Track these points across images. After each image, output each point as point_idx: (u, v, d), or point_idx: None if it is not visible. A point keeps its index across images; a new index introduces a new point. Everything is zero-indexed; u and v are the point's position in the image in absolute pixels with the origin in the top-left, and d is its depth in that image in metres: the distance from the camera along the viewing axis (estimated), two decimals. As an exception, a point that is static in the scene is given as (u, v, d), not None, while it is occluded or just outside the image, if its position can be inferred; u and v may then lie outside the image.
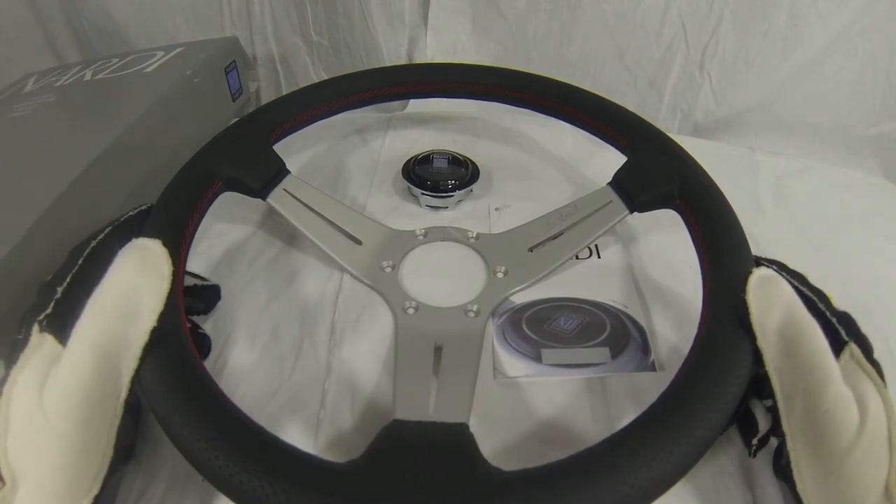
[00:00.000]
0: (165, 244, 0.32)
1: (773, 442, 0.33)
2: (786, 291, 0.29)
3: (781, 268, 0.34)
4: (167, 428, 0.27)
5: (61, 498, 0.25)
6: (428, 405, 0.31)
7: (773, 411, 0.31)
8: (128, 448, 0.32)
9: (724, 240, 0.34)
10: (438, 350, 0.36)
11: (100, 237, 0.34)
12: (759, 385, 0.29)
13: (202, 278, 0.41)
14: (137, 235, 0.33)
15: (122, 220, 0.36)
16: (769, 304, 0.28)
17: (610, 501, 0.23)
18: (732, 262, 0.33)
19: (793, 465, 0.26)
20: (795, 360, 0.26)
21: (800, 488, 0.25)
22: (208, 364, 0.38)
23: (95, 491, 0.26)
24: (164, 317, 0.29)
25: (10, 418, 0.25)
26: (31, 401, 0.26)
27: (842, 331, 0.29)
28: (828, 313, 0.30)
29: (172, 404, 0.26)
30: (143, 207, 0.37)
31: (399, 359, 0.36)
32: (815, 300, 0.31)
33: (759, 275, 0.30)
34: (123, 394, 0.27)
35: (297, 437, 0.34)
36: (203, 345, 0.39)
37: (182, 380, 0.28)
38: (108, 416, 0.27)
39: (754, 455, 0.33)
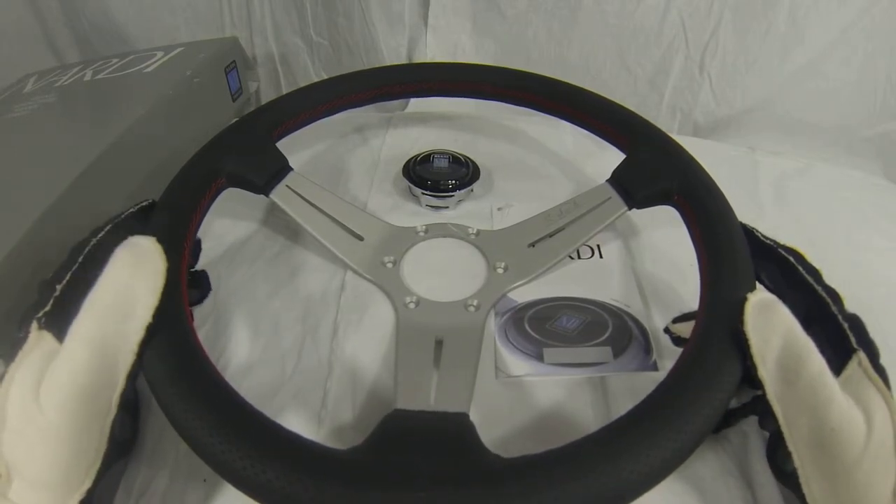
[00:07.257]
0: (160, 241, 0.32)
1: (759, 435, 0.33)
2: (783, 317, 0.28)
3: (799, 260, 0.33)
4: (170, 415, 0.27)
5: (54, 490, 0.25)
6: (429, 395, 0.31)
7: (761, 401, 0.31)
8: (125, 443, 0.32)
9: (722, 235, 0.34)
10: (439, 344, 0.36)
11: (100, 235, 0.34)
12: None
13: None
14: (141, 231, 0.33)
15: (123, 216, 0.36)
16: (768, 333, 0.27)
17: (610, 486, 0.23)
18: (731, 259, 0.33)
19: (801, 481, 0.26)
20: (797, 386, 0.26)
21: (809, 500, 0.26)
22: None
23: (88, 484, 0.26)
24: (160, 312, 0.29)
25: (7, 413, 0.26)
26: (27, 396, 0.26)
27: (852, 337, 0.28)
28: (839, 317, 0.30)
29: (175, 392, 0.27)
30: (144, 203, 0.38)
31: (400, 352, 0.36)
32: (827, 302, 0.30)
33: (755, 302, 0.28)
34: (119, 388, 0.27)
35: (300, 432, 0.34)
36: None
37: (185, 369, 0.28)
38: (103, 411, 0.27)
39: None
